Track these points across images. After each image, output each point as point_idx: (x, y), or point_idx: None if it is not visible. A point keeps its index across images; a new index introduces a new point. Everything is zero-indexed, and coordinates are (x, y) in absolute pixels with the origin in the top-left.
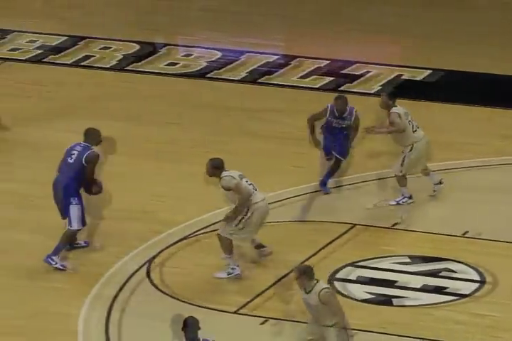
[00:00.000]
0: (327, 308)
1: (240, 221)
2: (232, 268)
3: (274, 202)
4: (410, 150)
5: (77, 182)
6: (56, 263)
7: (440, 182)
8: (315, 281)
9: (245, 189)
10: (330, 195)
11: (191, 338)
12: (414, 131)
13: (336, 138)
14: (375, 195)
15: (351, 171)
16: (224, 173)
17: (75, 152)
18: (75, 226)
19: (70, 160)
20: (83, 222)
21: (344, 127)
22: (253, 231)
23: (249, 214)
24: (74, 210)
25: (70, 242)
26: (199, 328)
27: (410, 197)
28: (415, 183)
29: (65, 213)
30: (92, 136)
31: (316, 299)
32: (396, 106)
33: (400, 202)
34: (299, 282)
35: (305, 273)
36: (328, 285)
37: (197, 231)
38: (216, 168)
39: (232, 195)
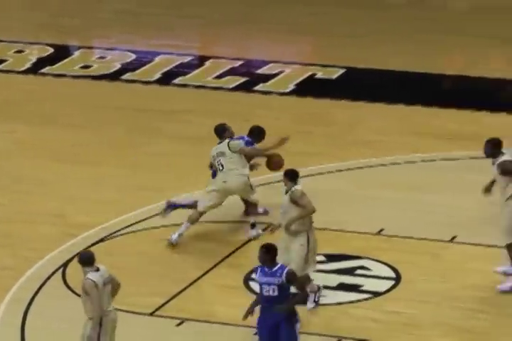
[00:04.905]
0: (87, 298)
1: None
2: None
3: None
4: None
5: None
6: None
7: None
8: (95, 268)
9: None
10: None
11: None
12: None
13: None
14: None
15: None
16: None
17: None
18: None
19: None
20: None
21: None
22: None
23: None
24: None
25: None
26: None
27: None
28: (331, 182)
29: None
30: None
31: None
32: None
33: None
34: None
35: (81, 260)
36: (93, 278)
37: (113, 233)
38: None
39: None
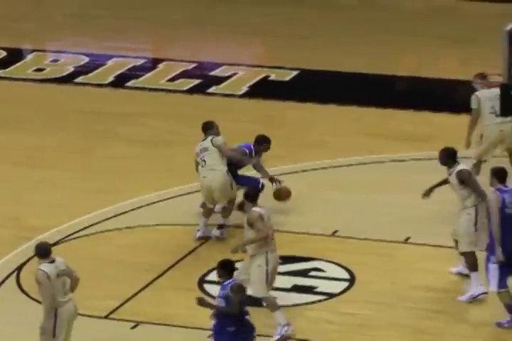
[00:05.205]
0: (40, 289)
1: None
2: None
3: (147, 205)
4: None
5: None
6: None
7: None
8: (50, 259)
9: None
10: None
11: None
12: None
13: None
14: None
15: None
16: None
17: None
18: None
19: None
20: None
21: None
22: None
23: None
24: None
25: None
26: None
27: None
28: (285, 183)
29: None
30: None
31: None
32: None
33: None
34: None
35: (37, 252)
36: (44, 268)
37: (67, 236)
38: None
39: None
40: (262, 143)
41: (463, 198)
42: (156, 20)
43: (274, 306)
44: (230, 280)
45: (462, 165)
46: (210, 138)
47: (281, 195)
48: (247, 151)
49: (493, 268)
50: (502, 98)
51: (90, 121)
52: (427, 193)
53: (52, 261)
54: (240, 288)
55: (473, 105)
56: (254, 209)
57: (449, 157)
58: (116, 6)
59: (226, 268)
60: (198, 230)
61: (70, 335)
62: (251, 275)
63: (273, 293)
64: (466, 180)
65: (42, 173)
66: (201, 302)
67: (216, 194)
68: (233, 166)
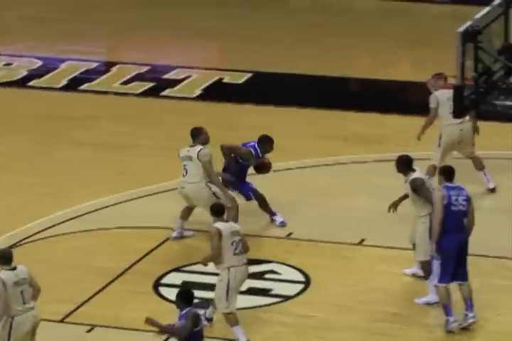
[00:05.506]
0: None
1: None
2: None
3: (100, 208)
4: None
5: None
6: None
7: None
8: (10, 267)
9: None
10: (155, 201)
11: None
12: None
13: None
14: None
15: None
16: None
17: None
18: None
19: None
20: None
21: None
22: None
23: None
24: None
25: None
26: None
27: None
28: None
29: None
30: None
31: None
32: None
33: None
34: None
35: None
36: (2, 275)
37: (20, 241)
38: None
39: None
40: (265, 142)
41: (417, 206)
42: (110, 24)
43: (231, 322)
44: (188, 309)
45: (417, 174)
46: (198, 149)
47: (261, 166)
48: (253, 151)
49: (436, 264)
50: (455, 100)
51: (44, 125)
52: (393, 207)
53: (13, 269)
54: (194, 317)
55: (432, 104)
56: (216, 225)
57: (404, 165)
58: (71, 8)
59: (183, 297)
60: (174, 231)
61: None
62: (215, 290)
63: None
64: (418, 189)
65: None
66: (148, 321)
67: (200, 205)
68: (239, 167)
